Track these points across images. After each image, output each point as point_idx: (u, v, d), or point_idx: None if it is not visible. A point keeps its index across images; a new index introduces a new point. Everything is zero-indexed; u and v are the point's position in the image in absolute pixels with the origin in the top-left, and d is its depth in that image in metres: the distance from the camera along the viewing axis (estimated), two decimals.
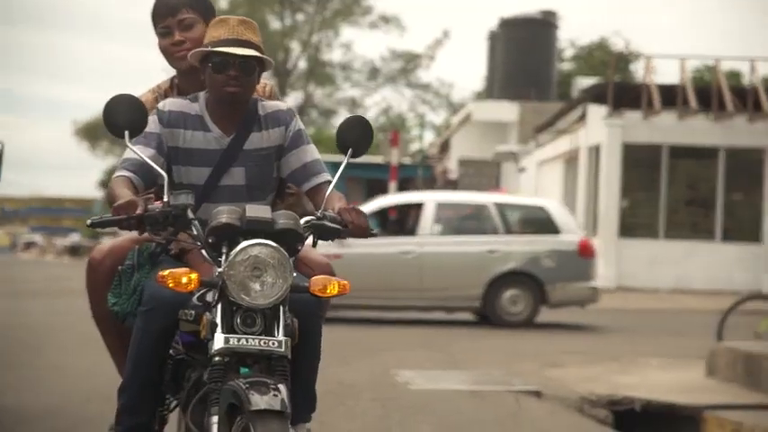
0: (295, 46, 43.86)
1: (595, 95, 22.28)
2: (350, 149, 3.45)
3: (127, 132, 3.28)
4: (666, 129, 21.02)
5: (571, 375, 8.93)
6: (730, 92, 20.37)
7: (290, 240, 3.15)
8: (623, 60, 41.58)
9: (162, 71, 33.04)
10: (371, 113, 45.44)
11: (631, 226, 21.60)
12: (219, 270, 3.10)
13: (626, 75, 39.92)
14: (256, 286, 3.08)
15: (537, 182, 27.44)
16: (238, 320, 3.11)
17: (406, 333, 12.45)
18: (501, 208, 13.53)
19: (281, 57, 42.78)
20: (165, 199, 3.21)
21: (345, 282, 3.20)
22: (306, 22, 43.63)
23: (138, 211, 3.13)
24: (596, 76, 33.79)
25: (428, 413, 6.90)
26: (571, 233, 13.43)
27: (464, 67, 75.24)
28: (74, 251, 54.42)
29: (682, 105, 20.52)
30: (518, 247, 13.22)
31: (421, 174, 28.19)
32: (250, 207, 3.16)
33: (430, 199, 13.69)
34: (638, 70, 41.24)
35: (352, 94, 44.96)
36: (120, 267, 3.60)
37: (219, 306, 3.13)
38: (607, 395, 7.79)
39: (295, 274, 3.17)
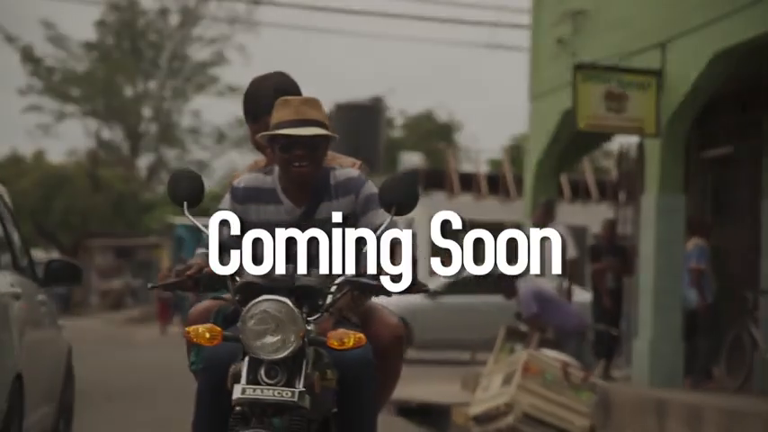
0: (147, 111, 45.06)
1: None
2: (393, 207, 3.38)
3: (186, 203, 3.44)
4: (465, 207, 24.60)
5: None
6: (513, 179, 25.56)
7: (311, 297, 3.23)
8: (447, 130, 46.54)
9: None
10: (219, 174, 44.44)
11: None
12: (237, 325, 3.18)
13: (450, 141, 43.81)
14: (268, 340, 3.11)
15: None
16: (262, 373, 3.14)
17: None
18: None
19: (134, 120, 44.26)
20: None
21: (361, 335, 3.21)
22: (158, 89, 44.94)
23: (188, 273, 3.34)
24: (422, 146, 38.03)
25: None
26: None
27: None
28: None
29: (476, 190, 25.41)
30: None
31: None
32: (286, 268, 3.22)
33: None
34: (460, 138, 46.52)
35: (201, 156, 45.72)
36: None
37: (246, 359, 3.17)
38: (396, 398, 9.56)
39: (310, 327, 3.20)
